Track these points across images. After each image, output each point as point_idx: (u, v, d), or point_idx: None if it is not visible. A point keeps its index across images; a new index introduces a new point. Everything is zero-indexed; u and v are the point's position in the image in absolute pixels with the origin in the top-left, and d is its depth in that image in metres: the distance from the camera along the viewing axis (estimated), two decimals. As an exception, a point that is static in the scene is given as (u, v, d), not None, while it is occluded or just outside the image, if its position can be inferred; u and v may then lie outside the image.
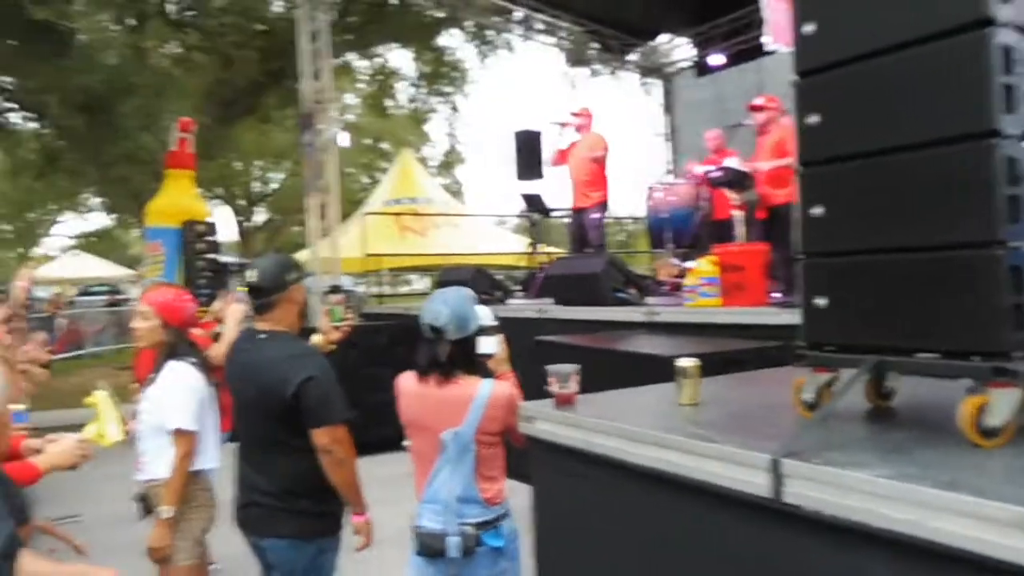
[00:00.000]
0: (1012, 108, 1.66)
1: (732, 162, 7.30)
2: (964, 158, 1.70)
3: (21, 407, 3.14)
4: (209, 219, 10.83)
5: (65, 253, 30.87)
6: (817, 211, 1.99)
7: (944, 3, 1.72)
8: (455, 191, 29.57)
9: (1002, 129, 1.65)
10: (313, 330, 3.29)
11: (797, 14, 2.05)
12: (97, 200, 27.11)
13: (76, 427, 3.16)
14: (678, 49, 15.53)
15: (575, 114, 8.91)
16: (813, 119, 2.00)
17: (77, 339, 18.20)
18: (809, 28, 2.01)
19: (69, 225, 36.18)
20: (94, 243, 33.98)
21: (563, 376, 2.44)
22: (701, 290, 5.51)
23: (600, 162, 8.68)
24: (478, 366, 2.80)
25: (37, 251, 37.67)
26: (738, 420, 2.19)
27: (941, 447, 1.73)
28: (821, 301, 1.99)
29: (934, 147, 1.75)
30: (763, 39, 8.02)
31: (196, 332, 3.65)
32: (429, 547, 2.63)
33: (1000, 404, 1.67)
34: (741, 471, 1.73)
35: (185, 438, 3.11)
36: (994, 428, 1.68)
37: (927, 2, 1.76)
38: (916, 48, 1.77)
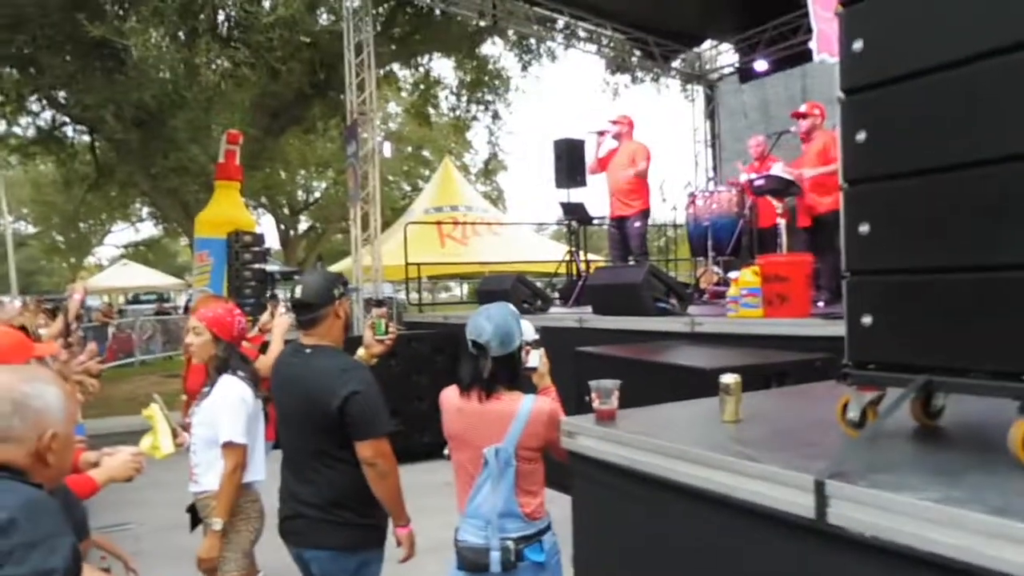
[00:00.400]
0: (1065, 126, 1.63)
1: (777, 169, 7.23)
2: (1015, 178, 1.67)
3: (78, 420, 3.23)
4: (256, 230, 11.06)
5: (116, 263, 31.65)
6: (863, 229, 1.97)
7: (997, 21, 1.69)
8: (495, 198, 29.71)
9: (1055, 148, 1.62)
10: (359, 339, 3.34)
11: (845, 31, 2.03)
12: (147, 210, 27.79)
13: (126, 434, 3.24)
14: (722, 55, 15.40)
15: (614, 121, 8.86)
16: (860, 136, 1.98)
17: (127, 347, 18.63)
18: (857, 45, 1.99)
19: (119, 235, 37.12)
20: (143, 252, 34.84)
21: (605, 392, 2.44)
22: (743, 300, 5.46)
23: (643, 173, 8.64)
24: (521, 382, 2.82)
25: (89, 260, 38.72)
26: (782, 438, 2.17)
27: (991, 470, 1.70)
28: (866, 319, 1.97)
29: (985, 167, 1.72)
30: (810, 45, 7.92)
31: (244, 344, 3.73)
32: (471, 562, 2.65)
33: (1052, 427, 1.64)
34: (785, 491, 1.72)
35: (235, 451, 3.17)
36: (1046, 451, 1.64)
37: (978, 21, 1.74)
38: (967, 67, 1.75)
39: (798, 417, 2.54)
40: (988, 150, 1.72)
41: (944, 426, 2.18)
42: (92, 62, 11.49)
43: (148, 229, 33.68)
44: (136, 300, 28.20)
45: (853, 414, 2.05)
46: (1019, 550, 1.32)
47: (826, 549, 1.66)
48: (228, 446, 3.17)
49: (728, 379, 2.38)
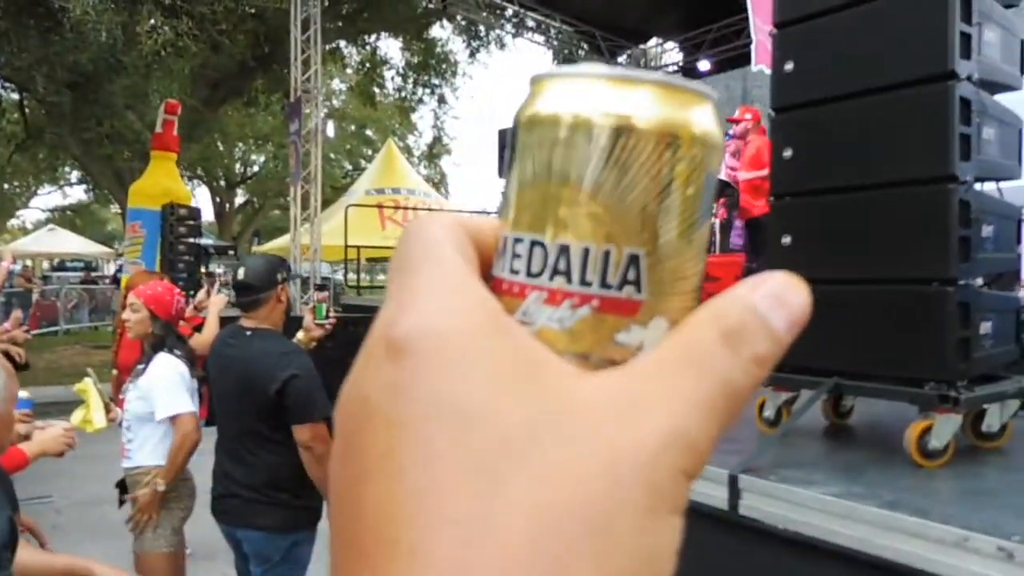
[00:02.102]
0: (968, 156, 1.78)
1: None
2: (923, 200, 1.82)
3: (24, 394, 3.17)
4: (192, 203, 10.84)
5: (42, 228, 30.48)
6: (786, 240, 2.10)
7: (912, 55, 1.84)
8: (438, 182, 29.58)
9: (959, 175, 1.78)
10: (297, 320, 3.36)
11: (777, 51, 2.16)
12: (77, 174, 26.84)
13: (49, 405, 3.20)
14: (667, 53, 15.66)
15: None
16: (787, 153, 2.11)
17: (51, 315, 18.02)
18: (788, 66, 2.12)
19: (46, 198, 35.80)
20: (70, 218, 33.65)
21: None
22: (676, 297, 5.63)
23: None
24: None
25: (12, 223, 37.24)
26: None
27: (890, 466, 1.85)
28: (785, 325, 2.10)
29: (896, 187, 1.87)
30: (751, 52, 8.16)
31: (180, 323, 3.70)
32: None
33: (943, 428, 1.80)
34: (701, 484, 1.84)
35: (185, 420, 3.17)
36: (936, 450, 1.81)
37: (897, 53, 1.88)
38: (885, 94, 1.89)
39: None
40: (901, 173, 1.86)
41: (852, 425, 2.34)
42: (27, 20, 11.05)
43: (77, 194, 32.54)
44: (62, 267, 27.24)
45: (769, 413, 2.19)
46: (907, 540, 1.46)
47: (738, 538, 1.79)
48: (177, 418, 3.17)
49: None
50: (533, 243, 0.25)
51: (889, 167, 1.88)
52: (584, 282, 0.24)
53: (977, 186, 2.03)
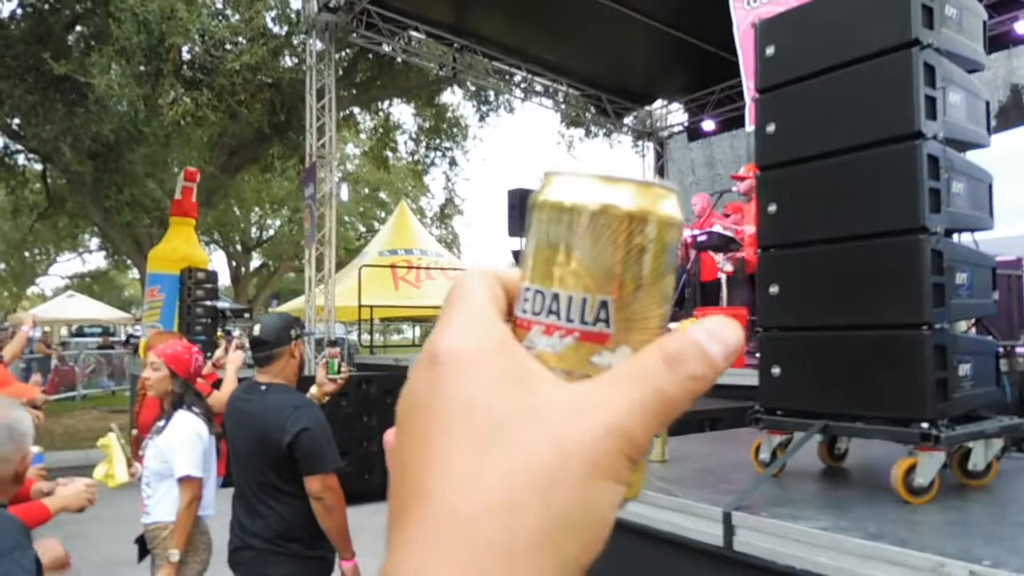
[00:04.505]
0: (938, 208, 1.91)
1: (718, 227, 7.59)
2: (898, 250, 1.94)
3: (37, 449, 3.29)
4: (209, 267, 11.08)
5: (61, 294, 30.91)
6: (773, 289, 2.22)
7: (883, 117, 1.98)
8: (451, 242, 29.94)
9: (930, 226, 1.90)
10: (311, 379, 3.47)
11: (760, 114, 2.31)
12: (96, 241, 27.35)
13: (67, 469, 3.31)
14: (672, 114, 15.99)
15: None
16: (772, 208, 2.24)
17: (69, 380, 18.20)
18: (770, 128, 2.27)
19: (64, 265, 36.38)
20: (88, 284, 34.15)
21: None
22: (684, 351, 5.70)
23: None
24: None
25: (32, 290, 37.79)
26: (702, 476, 2.39)
27: (877, 503, 1.93)
28: (776, 370, 2.21)
29: (872, 239, 1.99)
30: (745, 114, 8.39)
31: (199, 381, 3.83)
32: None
33: (926, 465, 1.89)
34: (698, 522, 1.93)
35: (192, 484, 3.26)
36: (921, 487, 1.89)
37: (869, 114, 2.02)
38: (859, 153, 2.02)
39: (720, 458, 2.76)
40: (877, 225, 1.99)
41: (846, 467, 2.42)
42: (53, 94, 11.50)
43: (96, 260, 33.10)
44: (80, 333, 27.56)
45: (764, 455, 2.28)
46: (887, 568, 1.54)
47: (734, 574, 1.87)
48: (185, 480, 3.26)
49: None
50: (536, 291, 0.34)
51: (866, 220, 2.01)
52: (569, 319, 0.33)
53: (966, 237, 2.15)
